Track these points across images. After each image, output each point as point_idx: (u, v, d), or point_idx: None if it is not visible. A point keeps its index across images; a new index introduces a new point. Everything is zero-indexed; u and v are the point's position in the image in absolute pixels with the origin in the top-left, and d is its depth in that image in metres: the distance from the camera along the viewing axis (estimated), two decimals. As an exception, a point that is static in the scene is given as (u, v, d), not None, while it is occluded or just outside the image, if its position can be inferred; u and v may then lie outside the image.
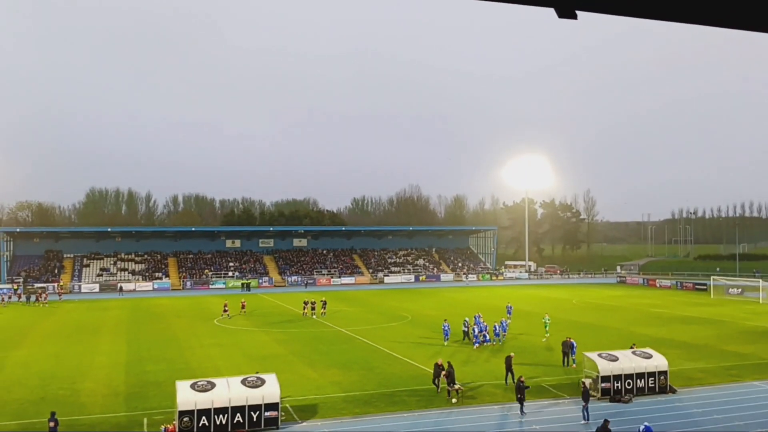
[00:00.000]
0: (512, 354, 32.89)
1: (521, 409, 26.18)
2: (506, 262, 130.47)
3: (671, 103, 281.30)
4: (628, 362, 29.83)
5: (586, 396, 25.86)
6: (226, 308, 59.62)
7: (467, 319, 45.79)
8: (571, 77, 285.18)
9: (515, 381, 30.57)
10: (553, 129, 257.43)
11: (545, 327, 45.84)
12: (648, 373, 29.87)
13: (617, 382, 29.17)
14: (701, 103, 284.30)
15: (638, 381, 29.59)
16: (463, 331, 44.95)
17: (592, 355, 30.29)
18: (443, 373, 29.84)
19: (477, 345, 41.56)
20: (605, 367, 29.18)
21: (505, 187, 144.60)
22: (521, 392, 26.29)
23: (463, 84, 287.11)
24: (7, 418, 26.38)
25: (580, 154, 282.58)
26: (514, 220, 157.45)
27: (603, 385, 29.01)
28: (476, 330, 42.64)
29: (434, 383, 30.16)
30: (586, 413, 25.49)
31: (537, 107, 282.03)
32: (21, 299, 76.90)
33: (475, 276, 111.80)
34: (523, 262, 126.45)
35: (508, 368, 31.53)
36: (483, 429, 24.87)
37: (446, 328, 43.59)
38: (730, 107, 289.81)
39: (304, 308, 60.15)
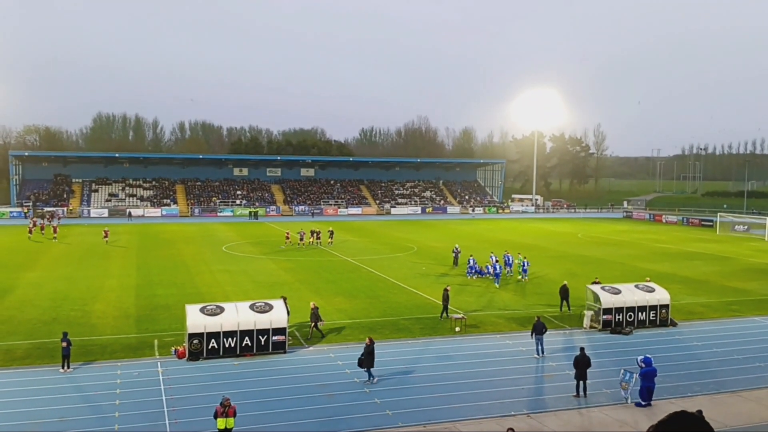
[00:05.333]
0: (566, 282, 33.58)
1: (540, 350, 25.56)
2: (513, 196, 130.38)
3: (685, 37, 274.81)
4: (630, 295, 30.18)
5: (539, 328, 25.43)
6: (301, 235, 58.75)
7: (457, 245, 49.37)
8: (583, 9, 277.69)
9: (569, 309, 31.87)
10: (565, 62, 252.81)
11: (520, 268, 42.70)
12: (650, 306, 30.25)
13: (619, 315, 29.59)
14: (716, 37, 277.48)
15: (640, 314, 30.01)
16: (453, 257, 47.83)
17: (595, 288, 30.62)
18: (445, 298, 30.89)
19: (473, 276, 42.27)
20: (607, 300, 29.55)
21: (515, 121, 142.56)
22: (539, 331, 25.34)
23: (474, 15, 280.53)
24: (20, 338, 27.08)
25: (591, 88, 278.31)
26: (522, 153, 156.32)
27: (605, 317, 29.45)
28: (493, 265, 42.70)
29: (316, 328, 27.85)
30: (540, 346, 25.37)
31: (550, 39, 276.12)
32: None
33: (481, 209, 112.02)
34: (530, 196, 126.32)
35: (564, 297, 32.60)
36: (481, 355, 25.42)
37: (472, 262, 43.34)
38: (745, 42, 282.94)
39: (305, 236, 60.17)
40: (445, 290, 31.76)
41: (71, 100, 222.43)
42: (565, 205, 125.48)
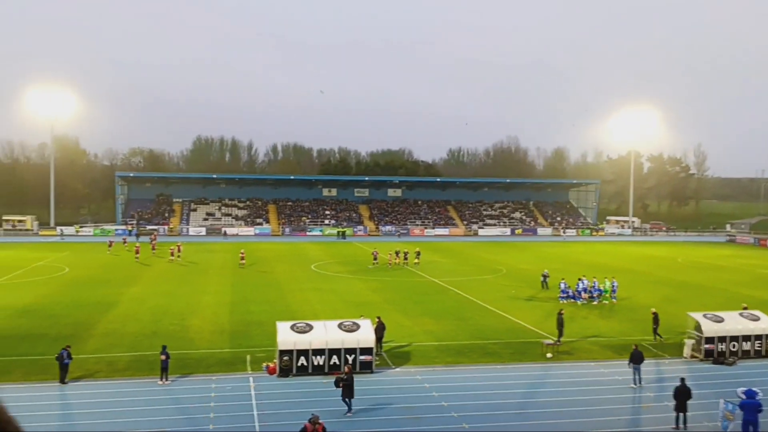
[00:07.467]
0: (654, 309, 32.34)
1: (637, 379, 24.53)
2: (608, 218, 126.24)
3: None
4: (734, 324, 28.53)
5: (636, 357, 24.35)
6: (375, 255, 60.36)
7: (546, 270, 48.34)
8: (683, 22, 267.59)
9: (660, 337, 30.62)
10: (664, 78, 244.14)
11: (612, 291, 42.17)
12: (755, 335, 28.50)
13: (721, 344, 28.01)
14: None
15: (744, 343, 28.30)
16: (542, 282, 46.97)
17: (697, 316, 29.13)
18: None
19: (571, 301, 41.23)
20: (709, 328, 28.04)
21: (610, 140, 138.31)
22: (637, 360, 24.38)
23: (564, 31, 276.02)
24: (122, 350, 28.44)
25: (692, 105, 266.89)
26: (618, 174, 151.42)
27: (706, 346, 27.94)
28: (579, 286, 42.03)
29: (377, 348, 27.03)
30: (637, 375, 24.25)
31: (646, 53, 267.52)
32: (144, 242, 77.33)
33: (573, 231, 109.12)
34: (626, 218, 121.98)
35: (656, 324, 31.31)
36: (575, 383, 24.60)
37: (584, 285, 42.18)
38: None
39: (396, 257, 60.63)
40: (560, 314, 30.89)
41: (174, 125, 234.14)
42: (664, 228, 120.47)
